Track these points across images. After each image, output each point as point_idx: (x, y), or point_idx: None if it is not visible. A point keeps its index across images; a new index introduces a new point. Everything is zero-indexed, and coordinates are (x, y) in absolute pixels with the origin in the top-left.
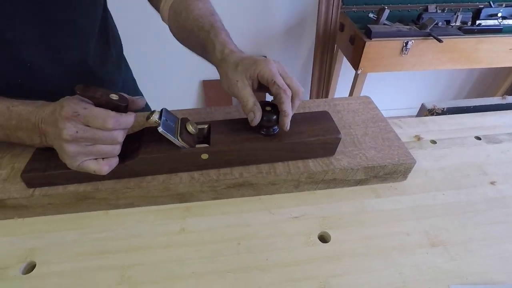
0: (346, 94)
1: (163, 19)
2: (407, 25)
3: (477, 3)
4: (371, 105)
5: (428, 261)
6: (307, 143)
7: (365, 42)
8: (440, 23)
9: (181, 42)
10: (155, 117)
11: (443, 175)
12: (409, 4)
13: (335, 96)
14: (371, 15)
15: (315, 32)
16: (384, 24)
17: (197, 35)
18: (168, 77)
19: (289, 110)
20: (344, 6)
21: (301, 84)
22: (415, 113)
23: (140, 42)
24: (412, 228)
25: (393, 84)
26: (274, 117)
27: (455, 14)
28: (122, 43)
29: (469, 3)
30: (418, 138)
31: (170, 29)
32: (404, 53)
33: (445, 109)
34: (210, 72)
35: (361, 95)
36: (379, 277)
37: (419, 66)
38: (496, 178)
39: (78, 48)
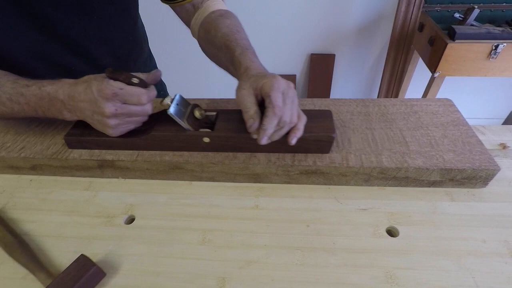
0: (418, 97)
1: (193, 35)
2: (499, 26)
3: None
4: (452, 108)
5: (506, 270)
6: (300, 138)
7: (446, 44)
8: None
9: (210, 58)
10: (167, 100)
11: None
12: (504, 4)
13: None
14: (456, 15)
15: (391, 31)
16: (472, 25)
17: (225, 53)
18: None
19: (266, 126)
20: (426, 5)
21: (369, 84)
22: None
23: None
24: (489, 236)
25: (475, 91)
26: None
27: None
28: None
29: None
30: (504, 146)
31: (199, 45)
32: (493, 57)
33: None
34: (279, 67)
35: None
36: (449, 277)
37: (510, 72)
38: None
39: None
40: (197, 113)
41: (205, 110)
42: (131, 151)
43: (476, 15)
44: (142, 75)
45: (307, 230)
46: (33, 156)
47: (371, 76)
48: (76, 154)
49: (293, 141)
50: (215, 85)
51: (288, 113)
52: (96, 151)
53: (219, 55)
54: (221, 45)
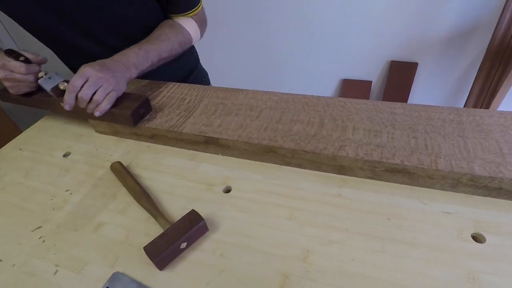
0: None
1: None
2: None
3: None
4: None
5: None
6: (109, 112)
7: None
8: None
9: None
10: (41, 74)
11: None
12: None
13: None
14: None
15: (488, 42)
16: None
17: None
18: (307, 69)
19: (65, 97)
20: None
21: (453, 95)
22: None
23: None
24: None
25: None
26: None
27: None
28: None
29: None
30: None
31: None
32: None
33: None
34: (354, 72)
35: None
36: None
37: None
38: None
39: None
40: (61, 86)
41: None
42: (234, 132)
43: None
44: (29, 55)
45: (388, 223)
46: (155, 126)
47: (457, 88)
48: (188, 129)
49: (96, 113)
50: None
51: (87, 92)
52: (204, 128)
53: None
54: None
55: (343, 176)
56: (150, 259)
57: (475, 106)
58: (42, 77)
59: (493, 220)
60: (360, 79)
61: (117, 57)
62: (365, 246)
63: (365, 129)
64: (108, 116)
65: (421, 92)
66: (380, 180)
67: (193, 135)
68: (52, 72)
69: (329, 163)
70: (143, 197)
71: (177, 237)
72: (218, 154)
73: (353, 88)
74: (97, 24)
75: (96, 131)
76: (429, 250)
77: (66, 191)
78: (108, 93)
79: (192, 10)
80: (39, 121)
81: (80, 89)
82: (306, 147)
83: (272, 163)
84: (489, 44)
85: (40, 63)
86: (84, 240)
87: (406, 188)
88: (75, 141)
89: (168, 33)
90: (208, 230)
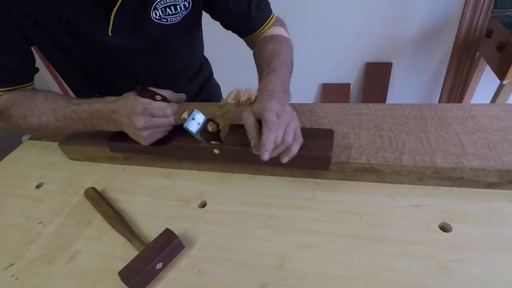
0: None
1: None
2: None
3: None
4: None
5: None
6: (298, 156)
7: None
8: None
9: None
10: (184, 115)
11: None
12: None
13: None
14: None
15: (454, 38)
16: None
17: (259, 73)
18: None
19: (264, 141)
20: (495, 10)
21: (428, 92)
22: None
23: None
24: None
25: None
26: None
27: None
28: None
29: None
30: None
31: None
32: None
33: None
34: (332, 76)
35: None
36: (508, 274)
37: None
38: None
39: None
40: (209, 127)
41: (218, 125)
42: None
43: None
44: (165, 92)
45: (360, 221)
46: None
47: (431, 84)
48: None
49: (284, 159)
50: None
51: (280, 133)
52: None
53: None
54: (260, 66)
55: (316, 180)
56: (125, 284)
57: (448, 101)
58: (185, 118)
59: (458, 209)
60: (339, 82)
61: (274, 83)
62: (339, 247)
63: None
64: (292, 161)
65: (398, 92)
66: (351, 180)
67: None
68: (189, 109)
69: (300, 169)
70: (118, 221)
71: (152, 258)
72: (192, 169)
73: (333, 92)
74: (146, 68)
75: (70, 158)
76: (400, 245)
77: (40, 223)
78: (295, 131)
79: (271, 17)
80: (12, 153)
81: None
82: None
83: (247, 173)
84: (454, 41)
85: (179, 101)
86: (59, 272)
87: (376, 186)
88: (49, 170)
89: (279, 47)
90: (184, 247)
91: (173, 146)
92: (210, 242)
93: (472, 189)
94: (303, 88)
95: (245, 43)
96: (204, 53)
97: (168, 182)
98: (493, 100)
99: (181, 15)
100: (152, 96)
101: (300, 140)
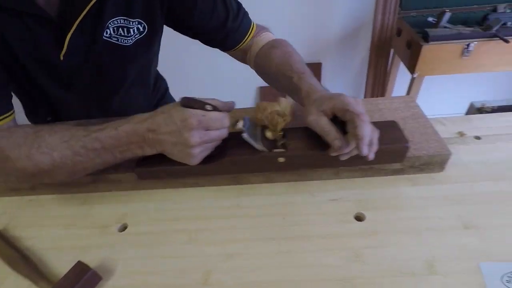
0: None
1: (251, 67)
2: (470, 27)
3: None
4: (413, 104)
5: (459, 241)
6: (376, 151)
7: (421, 46)
8: (510, 23)
9: (271, 86)
10: (239, 124)
11: (483, 168)
12: (474, 6)
13: None
14: (430, 19)
15: (370, 38)
16: (445, 27)
17: (283, 81)
18: (224, 84)
19: (362, 133)
20: (402, 11)
21: (356, 88)
22: None
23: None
24: (445, 213)
25: (454, 88)
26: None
27: None
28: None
29: None
30: (461, 134)
31: (258, 74)
32: (466, 56)
33: (496, 108)
34: None
35: (418, 99)
36: (410, 251)
37: (483, 68)
38: None
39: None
40: (269, 134)
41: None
42: (123, 165)
43: (448, 18)
44: (213, 101)
45: (283, 222)
46: None
47: (357, 81)
48: None
49: (371, 155)
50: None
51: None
52: None
53: (277, 84)
54: (277, 75)
55: (240, 186)
56: None
57: (372, 96)
58: (240, 128)
59: (370, 197)
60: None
61: (316, 83)
62: (263, 251)
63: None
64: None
65: (330, 89)
66: (275, 182)
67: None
68: (239, 118)
69: (223, 177)
70: (21, 262)
71: None
72: (111, 191)
73: (270, 94)
74: (97, 88)
75: None
76: (320, 239)
77: None
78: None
79: (251, 26)
80: None
81: None
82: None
83: (170, 188)
84: (371, 41)
85: (229, 111)
86: None
87: (299, 185)
88: None
89: (285, 50)
90: (102, 278)
91: (230, 161)
92: (130, 268)
93: (382, 177)
94: (241, 92)
95: (208, 55)
96: (160, 68)
97: (84, 209)
98: (408, 92)
99: (134, 38)
100: (202, 106)
101: (377, 132)
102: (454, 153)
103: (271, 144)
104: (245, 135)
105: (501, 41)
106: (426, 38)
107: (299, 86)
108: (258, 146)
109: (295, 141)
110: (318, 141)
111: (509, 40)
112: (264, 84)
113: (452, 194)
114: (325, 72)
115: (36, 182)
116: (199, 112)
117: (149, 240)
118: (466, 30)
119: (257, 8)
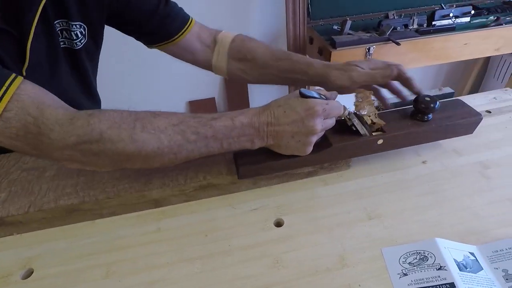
0: None
1: (218, 72)
2: (368, 32)
3: (432, 5)
4: None
5: (364, 231)
6: (458, 124)
7: (331, 52)
8: (399, 27)
9: (253, 82)
10: (345, 113)
11: (382, 160)
12: (371, 13)
13: None
14: (335, 27)
15: (286, 48)
16: (348, 33)
17: (282, 64)
18: (154, 99)
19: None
20: (311, 21)
21: (280, 94)
22: None
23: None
24: (352, 207)
25: None
26: (432, 105)
27: (411, 18)
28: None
29: (424, 6)
30: None
31: (232, 76)
32: (368, 58)
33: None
34: (197, 92)
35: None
36: (323, 249)
37: None
38: (427, 158)
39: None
40: (367, 118)
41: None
42: (23, 203)
43: (350, 25)
44: (323, 92)
45: (206, 239)
46: None
47: (281, 88)
48: None
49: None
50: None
51: None
52: None
53: (269, 71)
54: (268, 61)
55: (160, 209)
56: None
57: None
58: (348, 116)
59: (287, 202)
60: (203, 98)
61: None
62: (187, 273)
63: None
64: (453, 128)
65: (258, 98)
66: (197, 199)
67: None
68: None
69: (140, 201)
70: None
71: None
72: (13, 234)
73: (200, 108)
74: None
75: None
76: (241, 251)
77: None
78: None
79: (190, 19)
80: None
81: None
82: (109, 192)
83: (82, 222)
84: (287, 49)
85: (334, 99)
86: None
87: (219, 199)
88: None
89: (262, 43)
90: None
91: (335, 149)
92: None
93: (297, 181)
94: (171, 107)
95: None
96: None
97: None
98: None
99: (80, 42)
100: (320, 96)
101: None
102: None
103: (370, 128)
104: (355, 121)
105: (394, 44)
106: (334, 45)
107: (309, 61)
108: (363, 131)
109: (390, 123)
110: (406, 122)
111: (400, 42)
112: (194, 98)
113: (358, 188)
114: (252, 85)
115: (127, 166)
116: (322, 100)
117: (60, 282)
118: (366, 35)
119: None
